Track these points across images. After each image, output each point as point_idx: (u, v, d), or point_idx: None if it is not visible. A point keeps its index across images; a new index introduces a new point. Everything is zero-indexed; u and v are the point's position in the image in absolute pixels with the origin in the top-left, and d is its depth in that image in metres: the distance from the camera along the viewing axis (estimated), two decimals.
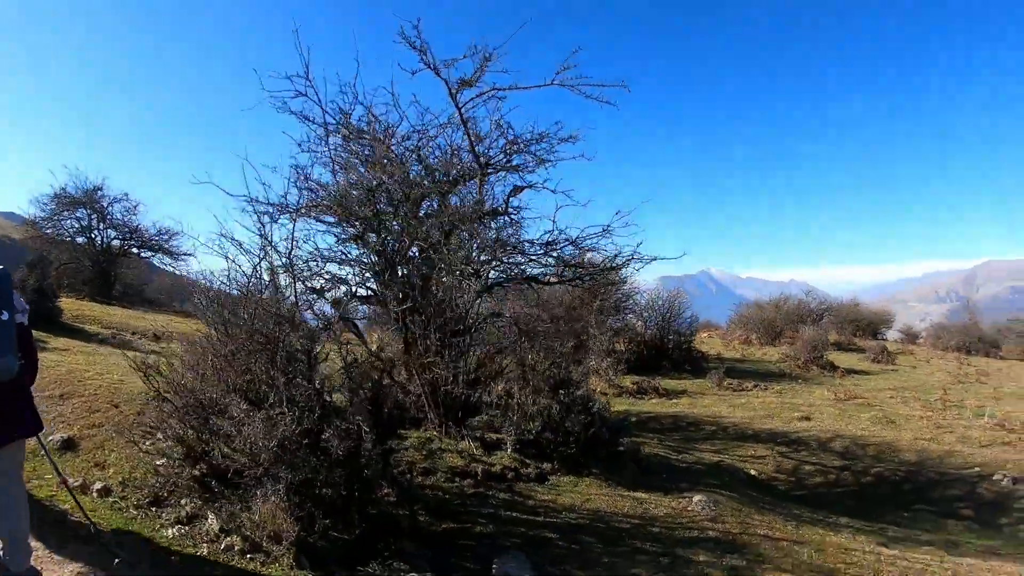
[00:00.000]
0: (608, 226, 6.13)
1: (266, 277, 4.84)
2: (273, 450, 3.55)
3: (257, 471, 3.71)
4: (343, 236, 6.37)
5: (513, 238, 6.32)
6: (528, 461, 5.68)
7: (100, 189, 14.88)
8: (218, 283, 4.71)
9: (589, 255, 6.74)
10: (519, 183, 6.15)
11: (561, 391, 5.95)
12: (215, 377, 4.22)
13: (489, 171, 5.87)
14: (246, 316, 4.26)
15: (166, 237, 15.64)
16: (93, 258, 14.77)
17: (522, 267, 6.33)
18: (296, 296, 4.61)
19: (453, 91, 5.11)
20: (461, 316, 5.47)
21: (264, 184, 5.86)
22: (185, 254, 15.78)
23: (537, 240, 6.35)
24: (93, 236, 14.96)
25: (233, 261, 4.92)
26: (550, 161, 5.37)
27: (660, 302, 14.11)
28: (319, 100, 5.77)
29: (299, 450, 3.64)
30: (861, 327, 19.39)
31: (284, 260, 4.61)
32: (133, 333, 11.37)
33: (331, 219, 6.24)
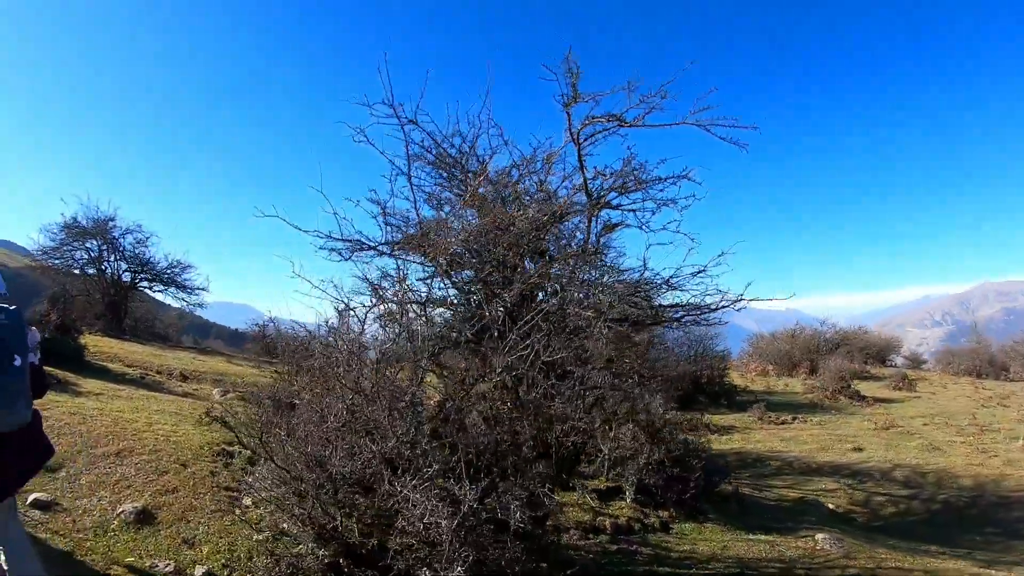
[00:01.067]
0: (704, 267, 5.95)
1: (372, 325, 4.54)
2: (455, 529, 3.20)
3: (425, 552, 3.35)
4: (426, 275, 6.10)
5: (608, 277, 6.12)
6: (647, 511, 5.40)
7: (112, 220, 14.20)
8: (339, 337, 4.36)
9: (675, 294, 6.56)
10: (611, 220, 5.98)
11: (667, 434, 5.73)
12: (353, 446, 3.83)
13: (601, 209, 5.67)
14: (388, 374, 3.92)
15: (178, 270, 15.00)
16: (104, 291, 14.02)
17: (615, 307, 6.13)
18: (429, 347, 4.28)
19: (574, 127, 4.94)
20: (577, 357, 5.20)
21: (344, 218, 5.52)
22: (198, 288, 15.18)
23: (627, 280, 6.17)
24: (104, 268, 14.23)
25: (349, 308, 4.61)
26: (683, 202, 5.19)
27: (692, 337, 13.94)
28: (404, 129, 5.52)
29: (478, 524, 3.31)
30: (871, 355, 19.58)
31: (419, 308, 4.29)
32: (158, 372, 10.75)
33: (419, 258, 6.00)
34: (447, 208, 6.03)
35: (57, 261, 13.90)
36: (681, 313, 6.11)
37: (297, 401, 4.81)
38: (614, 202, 5.74)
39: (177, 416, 7.03)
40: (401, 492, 3.39)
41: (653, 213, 5.31)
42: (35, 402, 2.71)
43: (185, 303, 15.12)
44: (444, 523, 3.20)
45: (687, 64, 4.64)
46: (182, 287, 15.03)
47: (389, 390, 3.76)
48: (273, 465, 4.13)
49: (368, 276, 4.50)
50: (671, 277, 6.07)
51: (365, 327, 4.55)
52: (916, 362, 21.66)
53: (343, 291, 4.52)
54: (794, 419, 12.57)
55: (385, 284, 5.09)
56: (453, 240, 4.71)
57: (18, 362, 2.46)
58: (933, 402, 15.00)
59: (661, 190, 5.54)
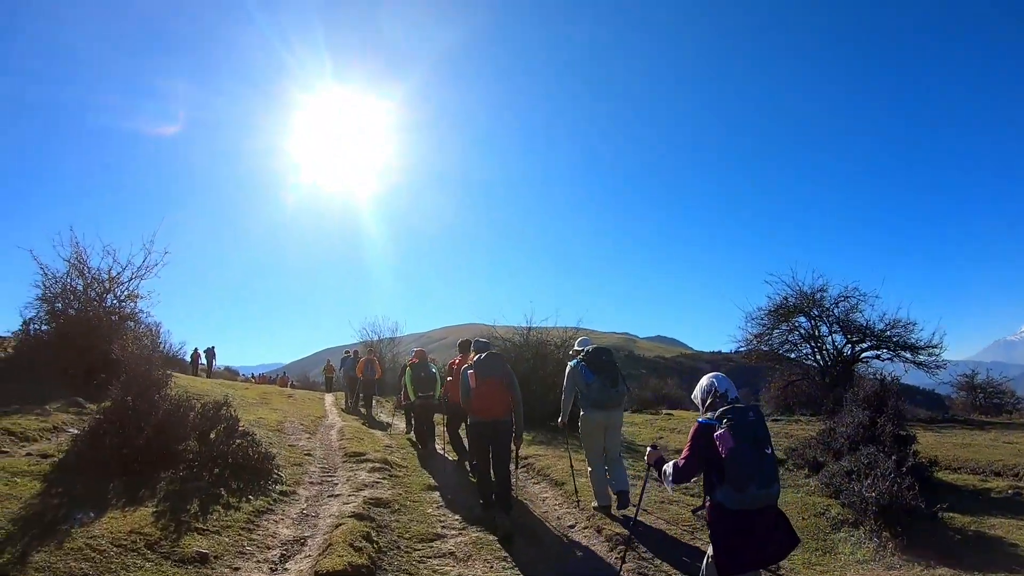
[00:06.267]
0: None
1: None
2: None
3: None
4: None
5: None
6: None
7: (823, 290, 13.10)
8: None
9: None
10: None
11: None
12: None
13: None
14: None
15: (900, 329, 12.57)
16: (825, 370, 12.79)
17: None
18: None
19: None
20: None
21: None
22: (931, 346, 12.27)
23: None
24: (820, 344, 13.07)
25: None
26: None
27: None
28: None
29: None
30: None
31: None
32: None
33: None
34: None
35: (764, 347, 13.44)
36: None
37: None
38: None
39: None
40: None
41: None
42: None
43: (923, 368, 12.42)
44: None
45: None
46: (914, 349, 12.54)
47: None
48: None
49: None
50: None
51: None
52: None
53: None
54: None
55: None
56: None
57: (770, 451, 2.97)
58: None
59: None
